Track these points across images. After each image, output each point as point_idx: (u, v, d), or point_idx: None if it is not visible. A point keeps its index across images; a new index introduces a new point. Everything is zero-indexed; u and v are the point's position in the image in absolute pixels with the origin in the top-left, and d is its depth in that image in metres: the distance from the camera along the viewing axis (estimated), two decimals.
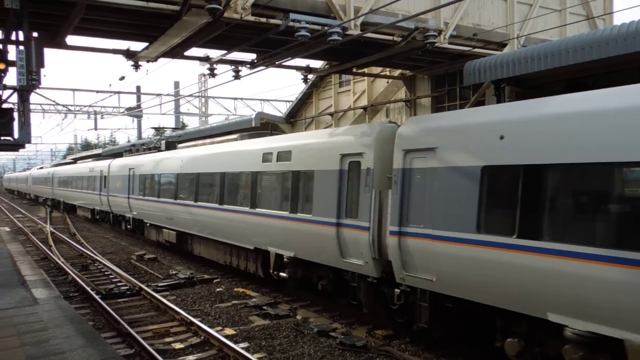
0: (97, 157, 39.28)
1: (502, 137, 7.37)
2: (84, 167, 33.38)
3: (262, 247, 13.11)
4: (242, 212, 13.74)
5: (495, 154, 7.45)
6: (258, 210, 13.06)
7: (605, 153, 6.15)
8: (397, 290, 9.19)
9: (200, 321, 10.80)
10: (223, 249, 15.57)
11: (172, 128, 32.45)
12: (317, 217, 10.96)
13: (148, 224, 21.59)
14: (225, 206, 14.60)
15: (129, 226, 24.21)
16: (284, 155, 12.27)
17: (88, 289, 13.74)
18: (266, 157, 12.96)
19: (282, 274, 12.34)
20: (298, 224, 11.56)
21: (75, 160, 45.96)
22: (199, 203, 16.16)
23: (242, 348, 9.16)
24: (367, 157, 9.82)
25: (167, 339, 10.14)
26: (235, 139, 15.95)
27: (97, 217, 30.79)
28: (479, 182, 7.59)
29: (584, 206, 6.55)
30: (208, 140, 18.71)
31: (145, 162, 21.84)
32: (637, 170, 6.01)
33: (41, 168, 59.14)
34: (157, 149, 23.73)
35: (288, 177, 11.96)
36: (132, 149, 27.75)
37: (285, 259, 12.09)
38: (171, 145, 22.69)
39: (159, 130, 29.69)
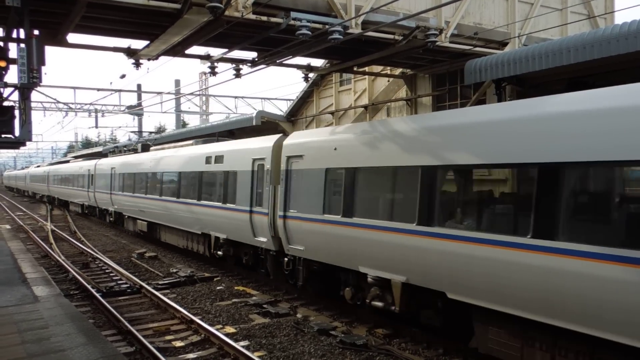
0: (89, 156, 41.77)
1: (335, 149, 10.72)
2: (74, 166, 36.75)
3: (206, 231, 16.33)
4: (192, 204, 16.94)
5: (332, 160, 10.80)
6: (202, 202, 16.25)
7: (387, 159, 9.42)
8: (285, 259, 12.35)
9: (201, 319, 10.82)
10: (181, 235, 18.83)
11: (149, 132, 37.51)
12: (239, 206, 14.09)
13: (126, 216, 24.97)
14: (181, 199, 17.81)
15: (111, 219, 27.70)
16: (219, 158, 15.51)
17: (89, 286, 13.76)
18: (208, 159, 16.13)
19: (219, 253, 15.62)
20: (227, 212, 14.69)
21: (68, 160, 48.82)
22: (163, 197, 19.44)
23: (243, 346, 9.17)
24: (267, 160, 13.02)
25: (168, 337, 10.16)
26: (192, 144, 19.12)
27: (86, 211, 34.21)
28: (324, 179, 10.89)
29: (366, 192, 9.98)
30: (172, 145, 21.94)
31: (124, 162, 25.01)
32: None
33: (38, 167, 63.08)
34: (135, 150, 27.22)
35: (221, 176, 15.19)
36: (115, 150, 31.84)
37: (221, 241, 15.39)
38: (145, 147, 26.09)
39: (137, 133, 35.40)
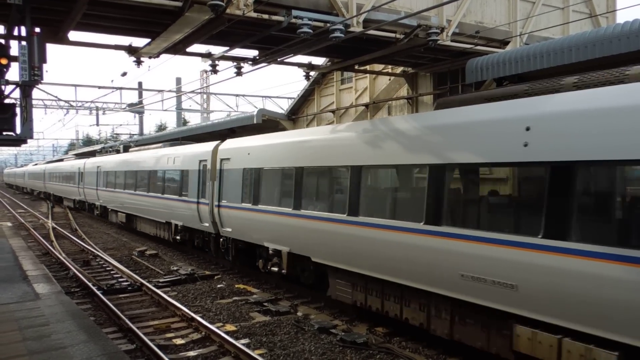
0: (82, 155, 45.06)
1: (249, 154, 13.89)
2: (67, 165, 40.36)
3: (168, 220, 19.56)
4: (158, 197, 20.18)
5: (246, 162, 13.90)
6: (165, 195, 19.51)
7: (276, 163, 12.62)
8: (221, 240, 15.63)
9: (201, 317, 10.83)
10: (152, 224, 21.96)
11: (130, 134, 43.21)
12: (190, 198, 17.22)
13: (110, 209, 28.30)
14: (150, 194, 21.07)
15: (97, 212, 31.37)
16: (177, 159, 18.78)
17: (89, 284, 13.77)
18: (169, 160, 19.47)
19: (177, 237, 18.96)
20: (182, 203, 17.85)
21: (62, 159, 52.10)
22: (137, 192, 22.63)
23: (243, 344, 9.18)
24: (208, 161, 16.08)
25: (168, 335, 10.17)
26: (160, 147, 22.34)
27: (77, 205, 37.48)
28: (242, 176, 14.01)
29: (265, 186, 13.03)
30: (146, 147, 25.20)
31: (108, 161, 28.26)
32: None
33: (36, 165, 67.01)
34: (117, 151, 31.35)
35: (178, 174, 18.46)
36: (102, 150, 36.02)
37: (179, 227, 18.63)
38: (126, 148, 29.89)
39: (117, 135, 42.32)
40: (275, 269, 12.85)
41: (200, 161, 16.68)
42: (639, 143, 5.81)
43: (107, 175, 27.53)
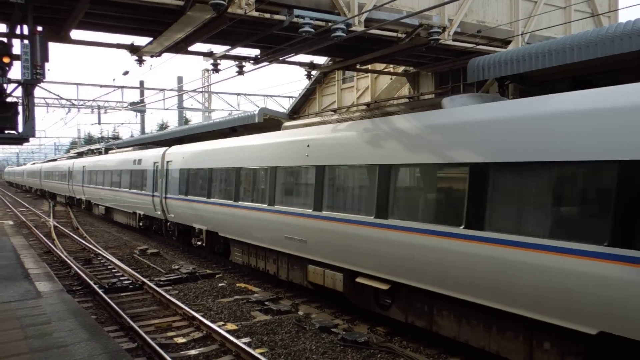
0: (79, 155, 49.11)
1: (183, 157, 18.32)
2: (59, 164, 45.82)
3: (135, 211, 23.94)
4: (127, 192, 24.61)
5: (182, 163, 18.52)
6: (132, 190, 23.77)
7: (202, 164, 16.90)
8: (168, 224, 20.11)
9: (203, 316, 10.85)
10: (123, 214, 26.63)
11: (113, 137, 52.03)
12: (148, 192, 21.65)
13: (93, 203, 33.06)
14: (121, 189, 25.58)
15: (84, 206, 36.42)
16: (139, 161, 23.03)
17: (91, 282, 13.79)
18: (134, 161, 23.63)
19: (141, 224, 23.46)
20: (143, 196, 22.24)
21: (56, 159, 57.80)
22: (112, 187, 27.28)
23: (244, 343, 9.19)
24: (159, 163, 20.50)
25: (170, 334, 10.18)
26: (131, 150, 26.50)
27: (67, 201, 42.49)
28: (179, 174, 18.40)
29: (192, 182, 17.45)
30: (122, 150, 29.19)
31: (91, 162, 33.04)
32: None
33: (34, 164, 72.63)
34: (100, 152, 36.88)
35: (140, 172, 22.72)
36: (88, 152, 42.11)
37: (142, 216, 23.22)
38: (107, 151, 34.55)
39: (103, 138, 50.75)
40: (198, 242, 17.53)
41: (154, 162, 21.04)
42: (337, 154, 10.52)
43: (90, 174, 32.33)
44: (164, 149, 20.51)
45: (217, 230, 15.79)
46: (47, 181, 50.97)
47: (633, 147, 5.89)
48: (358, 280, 10.06)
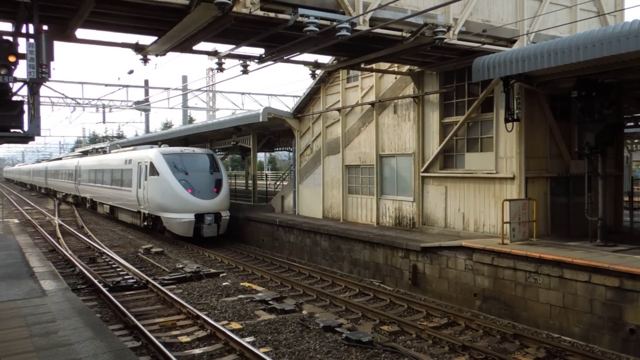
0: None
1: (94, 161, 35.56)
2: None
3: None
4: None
5: (89, 166, 36.05)
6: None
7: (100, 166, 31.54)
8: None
9: (207, 315, 10.86)
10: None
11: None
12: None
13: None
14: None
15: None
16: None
17: (95, 281, 13.83)
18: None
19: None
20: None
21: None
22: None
23: (248, 342, 9.19)
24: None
25: (174, 332, 10.20)
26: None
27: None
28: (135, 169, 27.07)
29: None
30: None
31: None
32: None
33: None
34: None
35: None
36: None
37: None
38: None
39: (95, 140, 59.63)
40: (88, 205, 31.57)
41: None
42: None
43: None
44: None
45: (90, 196, 33.42)
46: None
47: None
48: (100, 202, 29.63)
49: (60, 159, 56.14)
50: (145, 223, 23.62)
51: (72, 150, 76.38)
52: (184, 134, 31.75)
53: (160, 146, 23.92)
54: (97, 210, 33.42)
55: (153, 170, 22.12)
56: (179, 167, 21.80)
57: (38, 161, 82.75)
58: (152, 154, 22.72)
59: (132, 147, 28.89)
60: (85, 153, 44.92)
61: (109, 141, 45.78)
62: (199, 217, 20.96)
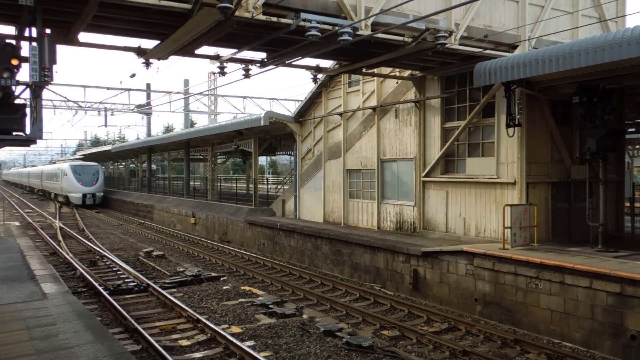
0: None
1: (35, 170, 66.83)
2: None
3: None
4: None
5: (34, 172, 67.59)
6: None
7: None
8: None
9: (207, 319, 10.84)
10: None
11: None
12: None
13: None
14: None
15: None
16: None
17: (96, 284, 13.83)
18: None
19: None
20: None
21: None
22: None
23: (249, 346, 9.18)
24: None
25: (174, 336, 10.18)
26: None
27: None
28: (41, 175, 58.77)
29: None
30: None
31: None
32: None
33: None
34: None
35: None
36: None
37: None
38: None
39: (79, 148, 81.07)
40: (41, 193, 58.89)
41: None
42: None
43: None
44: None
45: (43, 188, 57.36)
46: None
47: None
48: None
49: (35, 166, 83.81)
50: (61, 199, 46.68)
51: (74, 153, 77.45)
52: (185, 138, 31.79)
53: (73, 160, 47.79)
54: (46, 195, 57.69)
55: (64, 173, 45.29)
56: (77, 171, 44.86)
57: (24, 167, 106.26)
58: (65, 165, 46.24)
59: (62, 160, 48.67)
60: (52, 162, 68.81)
61: (70, 154, 67.83)
62: (84, 195, 44.23)
